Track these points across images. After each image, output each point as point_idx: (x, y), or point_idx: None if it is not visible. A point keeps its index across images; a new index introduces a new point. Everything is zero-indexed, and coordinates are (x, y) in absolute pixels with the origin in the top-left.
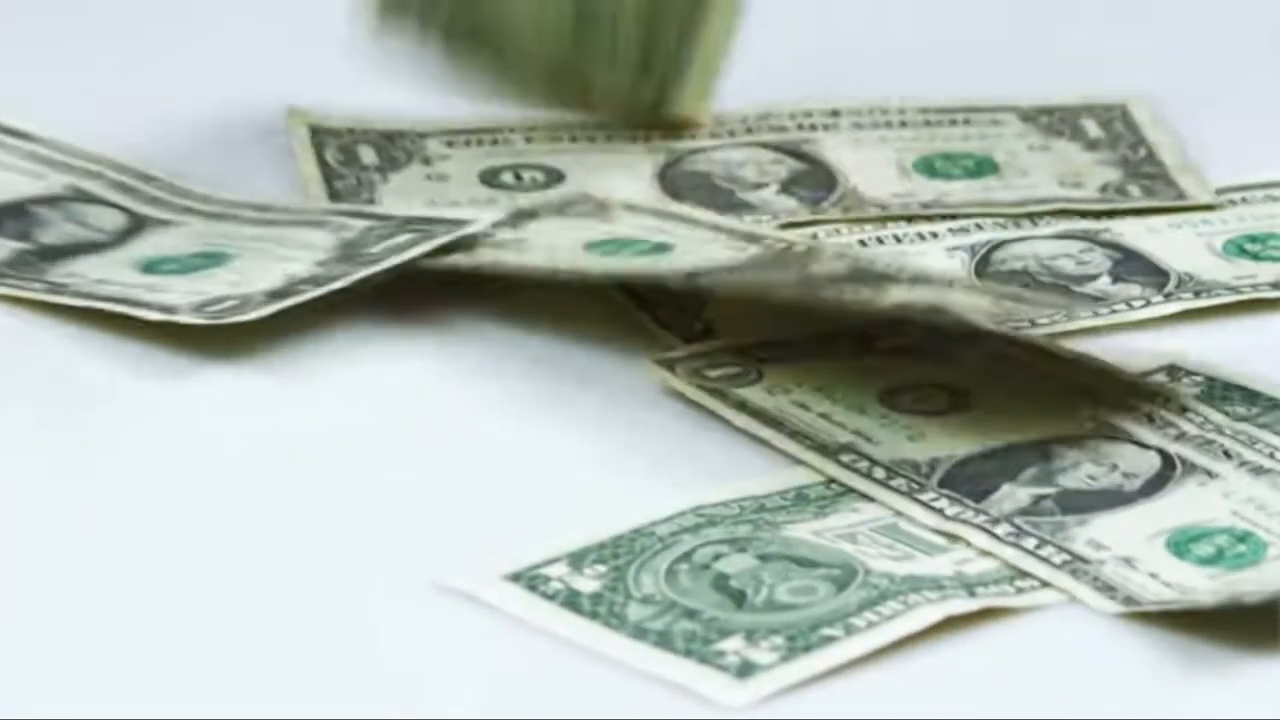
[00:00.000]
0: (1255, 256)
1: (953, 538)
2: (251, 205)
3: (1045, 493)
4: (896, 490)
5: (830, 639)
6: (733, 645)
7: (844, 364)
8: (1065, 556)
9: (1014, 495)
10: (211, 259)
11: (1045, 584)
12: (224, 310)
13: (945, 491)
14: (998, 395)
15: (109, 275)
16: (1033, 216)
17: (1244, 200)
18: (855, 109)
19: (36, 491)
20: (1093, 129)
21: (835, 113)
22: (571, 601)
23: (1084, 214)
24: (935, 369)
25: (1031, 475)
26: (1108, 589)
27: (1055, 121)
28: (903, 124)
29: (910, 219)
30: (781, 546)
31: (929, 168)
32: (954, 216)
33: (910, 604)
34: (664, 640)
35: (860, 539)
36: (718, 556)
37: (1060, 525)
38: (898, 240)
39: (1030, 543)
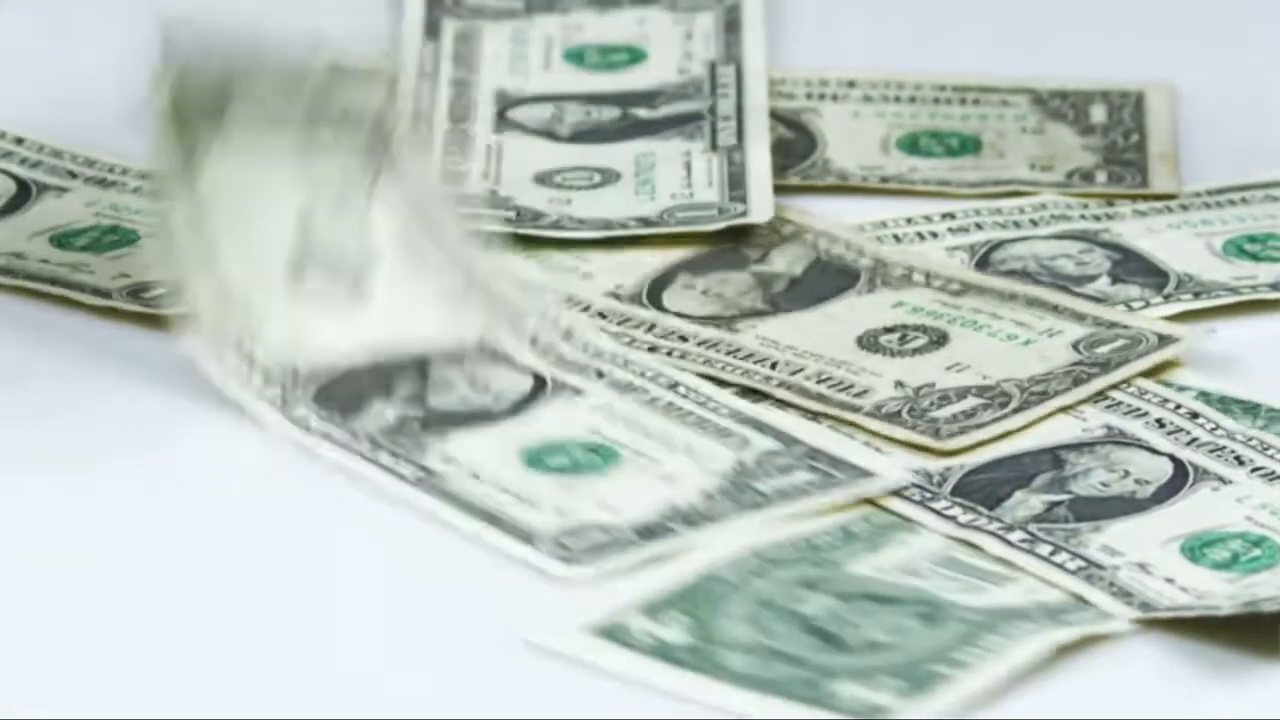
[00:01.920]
0: (1255, 257)
1: (1010, 565)
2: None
3: (1058, 499)
4: (909, 499)
5: (943, 676)
6: (847, 689)
7: None
8: (1080, 563)
9: (1027, 502)
10: (599, 455)
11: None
12: (590, 549)
13: (958, 500)
14: None
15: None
16: (1031, 217)
17: (1244, 200)
18: (872, 81)
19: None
20: (1098, 114)
21: (851, 83)
22: (664, 652)
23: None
24: None
25: (1044, 482)
26: (1124, 594)
27: (1064, 105)
28: (911, 99)
29: (880, 191)
30: (853, 585)
31: (912, 144)
32: (911, 194)
33: (1012, 636)
34: (775, 687)
35: (924, 572)
36: (795, 599)
37: (1074, 532)
38: (897, 240)
39: (1045, 549)
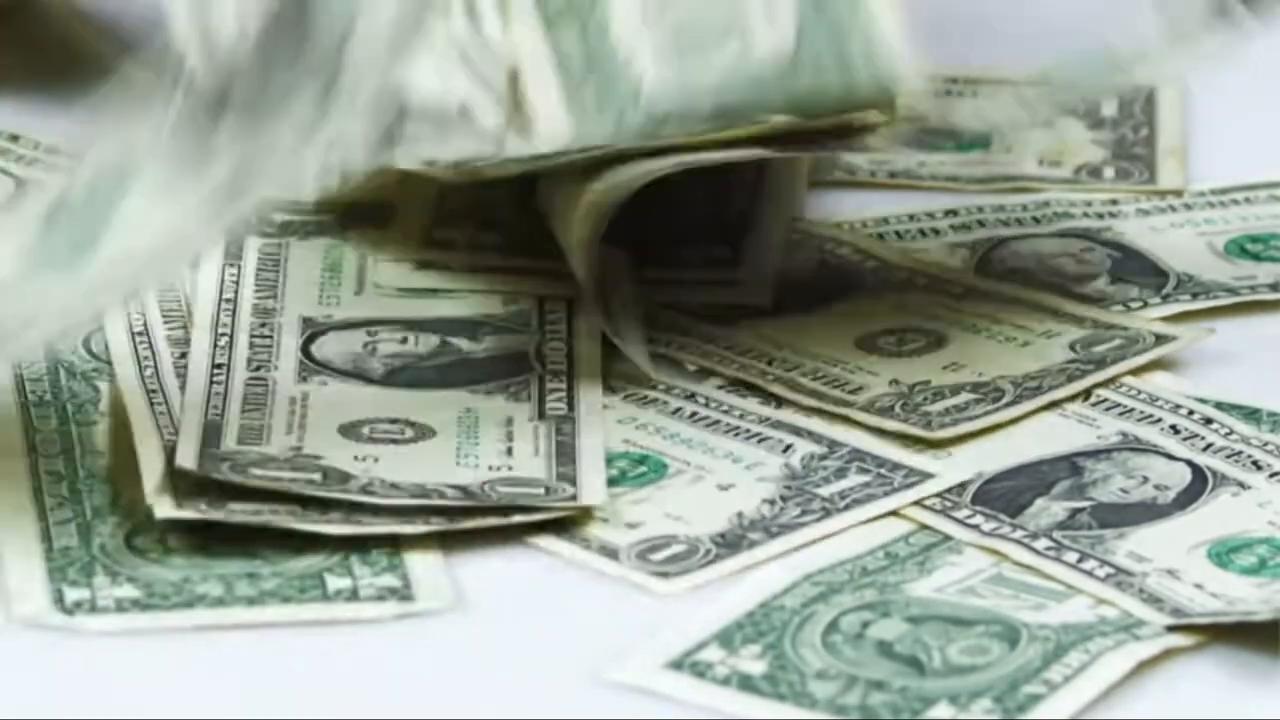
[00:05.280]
0: (1256, 257)
1: (1058, 581)
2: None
3: (1080, 506)
4: (930, 509)
5: (1036, 697)
6: (943, 712)
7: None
8: (1109, 570)
9: (1049, 510)
10: (648, 466)
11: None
12: (667, 561)
13: (979, 508)
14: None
15: None
16: (1034, 214)
17: (1248, 200)
18: None
19: None
20: (1109, 107)
21: None
22: (747, 684)
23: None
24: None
25: (1064, 489)
26: (1155, 600)
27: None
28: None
29: (888, 186)
30: (920, 608)
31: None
32: (919, 189)
33: (1093, 653)
34: (869, 712)
35: (982, 592)
36: (865, 624)
37: (1099, 539)
38: (899, 236)
39: (1071, 557)
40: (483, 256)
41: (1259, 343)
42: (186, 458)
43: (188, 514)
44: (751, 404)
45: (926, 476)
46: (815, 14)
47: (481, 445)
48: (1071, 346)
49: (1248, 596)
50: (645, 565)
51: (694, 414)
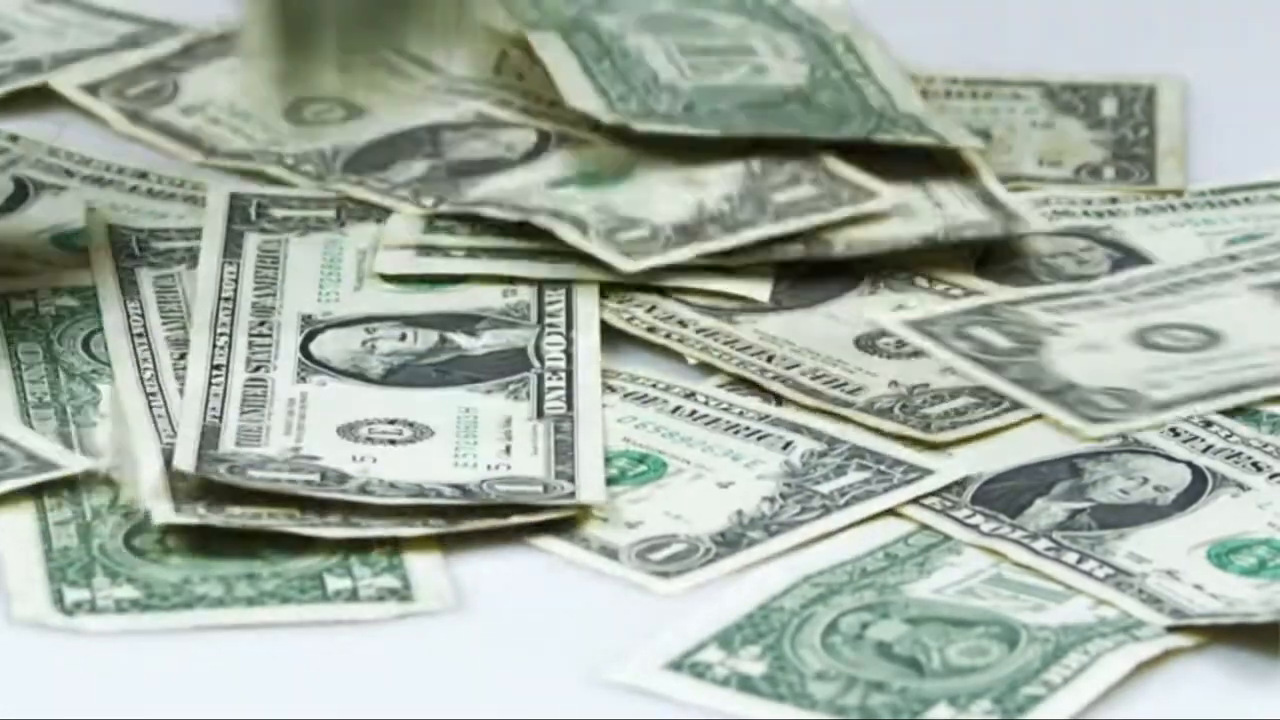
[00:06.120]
0: None
1: (1057, 582)
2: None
3: (1080, 507)
4: (930, 508)
5: (1036, 698)
6: (943, 713)
7: None
8: (1108, 570)
9: (1049, 510)
10: (647, 465)
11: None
12: (667, 560)
13: (979, 508)
14: None
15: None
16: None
17: (1247, 200)
18: None
19: None
20: (1109, 107)
21: None
22: (746, 685)
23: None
24: None
25: (1063, 490)
26: (1154, 601)
27: (1075, 99)
28: (923, 93)
29: None
30: (919, 609)
31: None
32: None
33: (1092, 654)
34: (869, 713)
35: (982, 593)
36: (865, 625)
37: (1099, 539)
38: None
39: (1071, 557)
40: (483, 239)
41: None
42: (185, 460)
43: (186, 519)
44: (751, 401)
45: (926, 473)
46: (824, 57)
47: (480, 445)
48: None
49: (1247, 597)
50: (645, 565)
51: (693, 412)
